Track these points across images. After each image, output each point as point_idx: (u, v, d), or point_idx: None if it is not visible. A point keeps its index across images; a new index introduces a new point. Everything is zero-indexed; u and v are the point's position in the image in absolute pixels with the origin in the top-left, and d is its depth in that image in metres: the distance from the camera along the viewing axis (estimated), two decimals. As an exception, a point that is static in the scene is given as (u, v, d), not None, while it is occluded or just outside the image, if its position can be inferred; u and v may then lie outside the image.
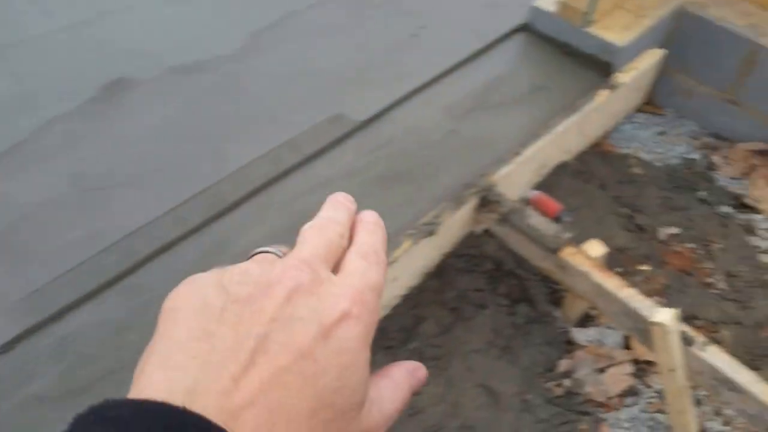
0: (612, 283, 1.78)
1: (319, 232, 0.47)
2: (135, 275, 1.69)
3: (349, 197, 0.53)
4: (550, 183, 2.27)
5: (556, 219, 1.85)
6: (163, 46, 2.23)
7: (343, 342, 0.39)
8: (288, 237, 1.66)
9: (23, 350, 1.52)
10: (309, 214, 1.61)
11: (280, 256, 0.45)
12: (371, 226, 0.49)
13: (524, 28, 2.41)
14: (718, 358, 1.66)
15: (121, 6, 2.35)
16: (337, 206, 0.51)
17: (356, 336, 0.40)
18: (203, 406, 0.34)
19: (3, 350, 1.51)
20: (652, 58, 2.39)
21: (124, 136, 2.00)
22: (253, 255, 0.46)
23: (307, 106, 2.09)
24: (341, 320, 0.40)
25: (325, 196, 1.70)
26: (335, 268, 0.45)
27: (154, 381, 0.36)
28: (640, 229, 2.23)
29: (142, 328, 1.60)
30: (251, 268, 0.42)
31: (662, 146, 2.49)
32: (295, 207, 1.87)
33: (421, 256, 1.93)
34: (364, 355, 0.41)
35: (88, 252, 1.70)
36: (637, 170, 2.39)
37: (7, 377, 1.48)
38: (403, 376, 0.47)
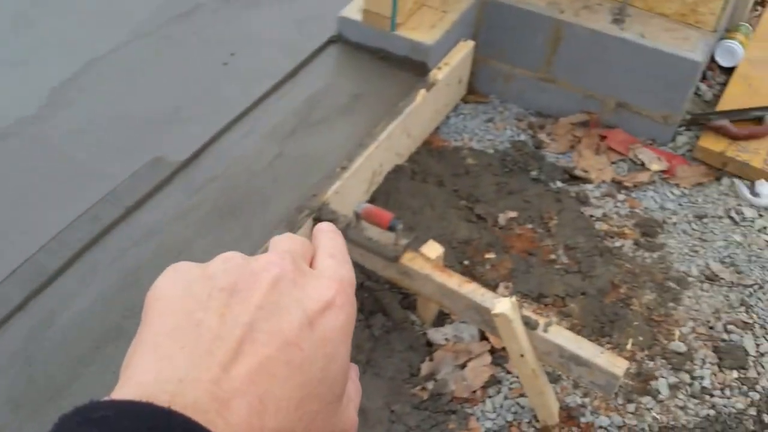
0: (453, 281, 1.80)
1: (290, 236, 0.48)
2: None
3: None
4: (387, 189, 2.27)
5: (390, 228, 1.85)
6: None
7: (327, 332, 0.40)
8: (119, 299, 1.57)
9: None
10: (140, 268, 1.53)
11: None
12: (330, 233, 0.51)
13: (336, 40, 2.41)
14: (561, 336, 1.71)
15: None
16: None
17: (340, 325, 0.41)
18: (194, 396, 0.34)
19: None
20: (463, 50, 2.44)
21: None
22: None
23: (123, 154, 2.01)
24: (326, 309, 0.41)
25: (154, 245, 1.63)
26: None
27: (143, 371, 0.36)
28: (481, 218, 2.27)
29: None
30: (234, 257, 0.43)
31: (491, 133, 2.55)
32: (124, 263, 1.79)
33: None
34: (346, 347, 0.41)
35: None
36: (470, 161, 2.44)
37: None
38: (357, 375, 0.48)
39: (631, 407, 1.88)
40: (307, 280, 0.42)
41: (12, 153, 2.01)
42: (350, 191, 2.06)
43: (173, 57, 2.30)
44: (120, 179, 1.95)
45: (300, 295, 0.40)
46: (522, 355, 1.72)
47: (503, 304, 1.68)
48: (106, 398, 0.34)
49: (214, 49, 2.34)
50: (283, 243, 0.46)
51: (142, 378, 0.36)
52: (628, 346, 1.98)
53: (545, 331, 1.72)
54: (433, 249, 1.88)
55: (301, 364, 0.38)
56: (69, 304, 1.71)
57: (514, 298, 1.69)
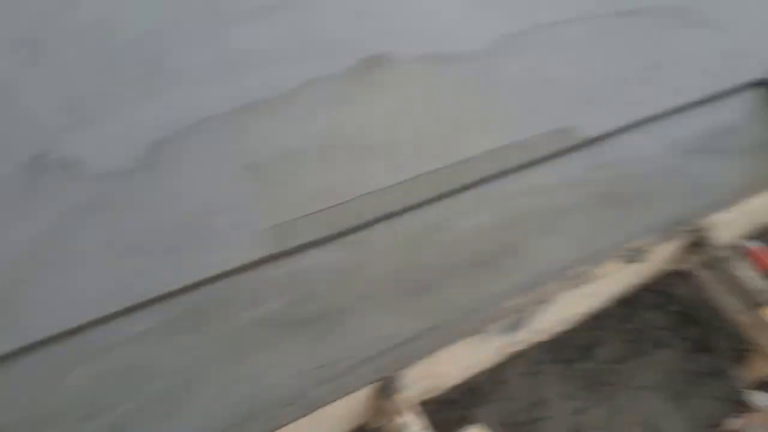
0: (815, 353, 1.76)
1: None
2: (361, 233, 1.82)
3: None
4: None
5: (768, 275, 1.84)
6: (423, 31, 2.34)
7: None
8: (499, 234, 1.72)
9: (258, 275, 1.67)
10: (523, 215, 1.67)
11: None
12: None
13: (762, 84, 2.38)
14: None
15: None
16: None
17: None
18: None
19: (241, 271, 1.67)
20: None
21: (376, 106, 2.12)
22: None
23: (539, 113, 2.16)
24: None
25: (532, 203, 1.77)
26: None
27: None
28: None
29: (361, 278, 1.72)
30: None
31: None
32: (512, 206, 1.94)
33: (619, 281, 1.96)
34: None
35: (325, 203, 1.85)
36: None
37: (239, 298, 1.62)
38: None
39: None
40: None
41: (458, 77, 2.21)
42: (730, 227, 2.05)
43: (603, 46, 2.40)
44: (529, 133, 2.10)
45: None
46: None
47: None
48: None
49: (641, 51, 2.41)
50: None
51: None
52: None
53: None
54: (805, 314, 1.84)
55: None
56: (459, 220, 1.88)
57: None
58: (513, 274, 1.80)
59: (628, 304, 2.06)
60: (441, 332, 1.65)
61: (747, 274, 1.86)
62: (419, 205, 1.90)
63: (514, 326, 1.79)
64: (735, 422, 1.92)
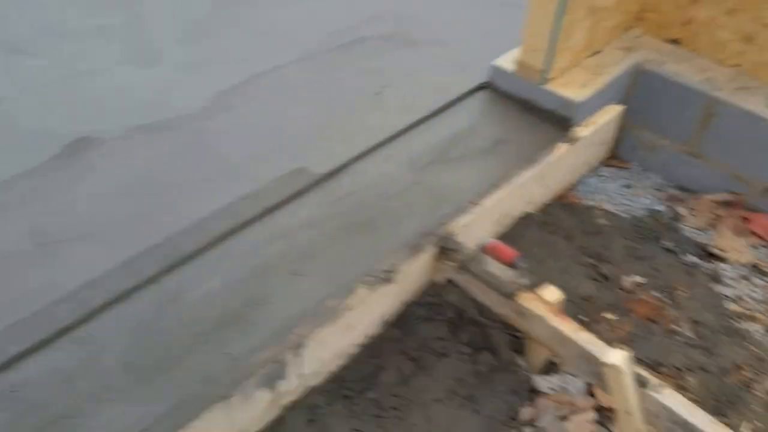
0: (567, 326, 1.78)
1: None
2: (87, 326, 1.71)
3: None
4: (515, 234, 2.29)
5: (513, 265, 1.87)
6: (130, 107, 2.30)
7: None
8: (243, 289, 1.66)
9: (-28, 397, 1.53)
10: (267, 265, 1.62)
11: None
12: None
13: (486, 87, 2.48)
14: (672, 399, 1.65)
15: (88, 68, 2.44)
16: None
17: None
18: None
19: (-47, 396, 1.52)
20: (611, 113, 2.45)
21: (85, 192, 2.05)
22: None
23: (269, 160, 2.14)
24: None
25: (285, 246, 1.72)
26: None
27: None
28: (605, 278, 2.24)
29: (92, 377, 1.60)
30: None
31: (628, 198, 2.52)
32: (254, 257, 1.89)
33: (379, 304, 1.94)
34: None
35: (42, 302, 1.73)
36: (602, 221, 2.41)
37: (-45, 423, 1.48)
38: None
39: (738, 495, 1.77)
40: None
41: (172, 143, 2.19)
42: (477, 227, 2.09)
43: (330, 81, 2.45)
44: (263, 182, 2.08)
45: None
46: (628, 413, 1.67)
47: (616, 356, 1.65)
48: None
49: (368, 79, 2.47)
50: None
51: None
52: (742, 429, 1.87)
53: (657, 392, 1.66)
54: (552, 293, 1.87)
55: None
56: (197, 285, 1.82)
57: (629, 352, 1.65)
58: (263, 325, 1.73)
59: (400, 323, 2.04)
60: (190, 405, 1.54)
61: (494, 268, 1.89)
62: (150, 281, 1.81)
63: (277, 377, 1.71)
64: (528, 411, 1.92)
